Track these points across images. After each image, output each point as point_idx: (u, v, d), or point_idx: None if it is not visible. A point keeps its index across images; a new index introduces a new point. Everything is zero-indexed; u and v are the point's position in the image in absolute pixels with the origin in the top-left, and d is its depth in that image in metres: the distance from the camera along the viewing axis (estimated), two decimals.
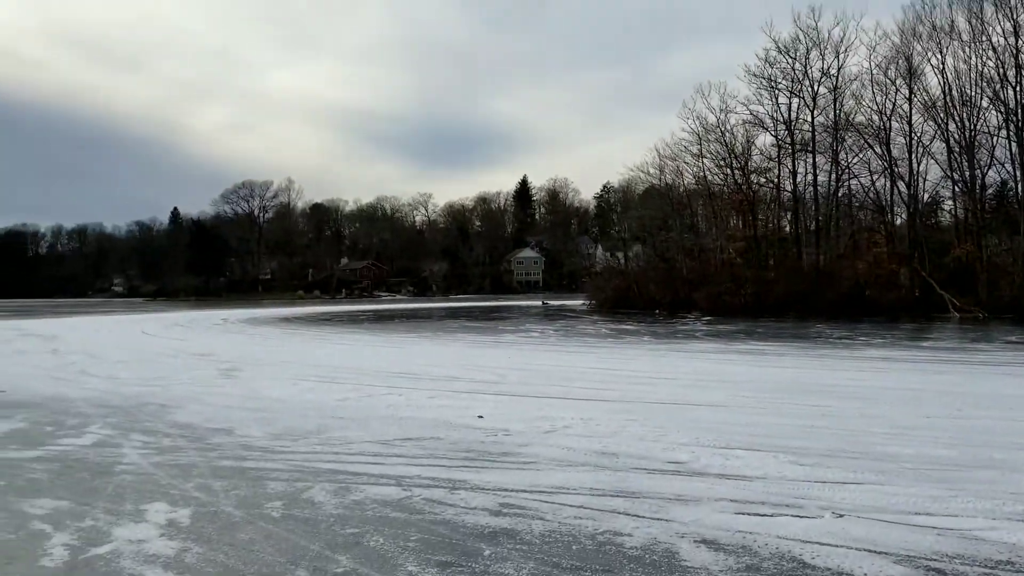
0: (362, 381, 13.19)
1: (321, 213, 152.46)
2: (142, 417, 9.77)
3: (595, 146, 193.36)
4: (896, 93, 41.69)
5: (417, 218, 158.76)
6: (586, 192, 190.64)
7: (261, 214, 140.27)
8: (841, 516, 5.38)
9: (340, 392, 11.80)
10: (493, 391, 11.76)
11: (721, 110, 48.20)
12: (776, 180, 46.82)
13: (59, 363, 17.20)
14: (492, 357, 17.95)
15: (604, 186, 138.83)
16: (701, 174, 50.28)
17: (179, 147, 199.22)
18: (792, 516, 5.40)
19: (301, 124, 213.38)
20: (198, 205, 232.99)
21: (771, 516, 5.42)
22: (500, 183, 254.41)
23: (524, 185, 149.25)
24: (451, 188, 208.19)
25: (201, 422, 9.33)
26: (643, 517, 5.43)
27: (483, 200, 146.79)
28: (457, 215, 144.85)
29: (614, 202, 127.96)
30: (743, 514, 5.47)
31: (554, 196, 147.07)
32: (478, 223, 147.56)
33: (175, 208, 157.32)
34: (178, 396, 11.57)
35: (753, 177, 47.91)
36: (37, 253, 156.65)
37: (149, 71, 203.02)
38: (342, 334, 28.97)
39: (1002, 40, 38.43)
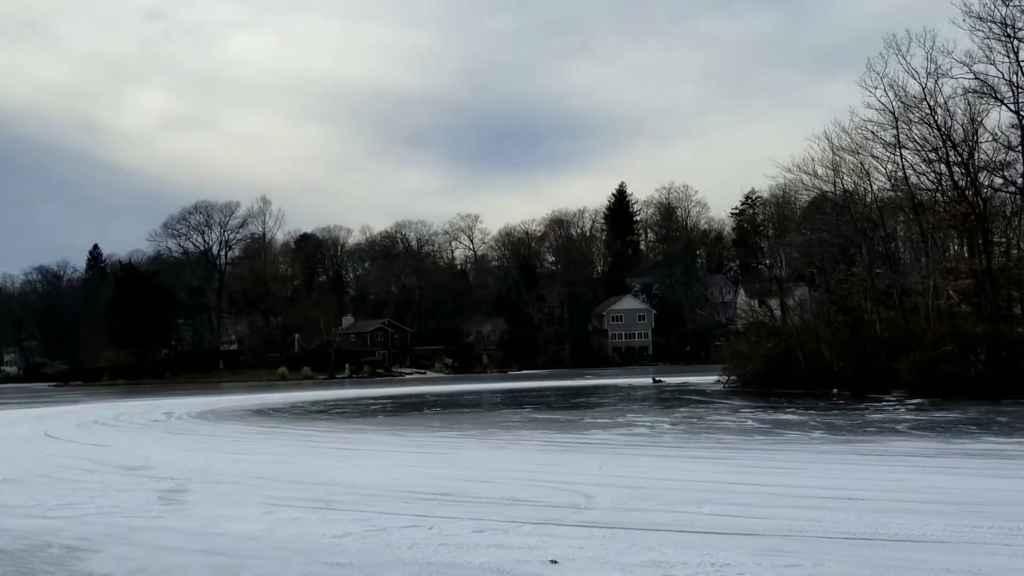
0: (372, 506, 13.25)
1: (312, 249, 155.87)
2: (38, 567, 9.93)
3: (729, 134, 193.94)
4: None
5: (457, 253, 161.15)
6: (718, 206, 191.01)
7: (223, 252, 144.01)
8: None
9: (338, 524, 11.85)
10: (574, 520, 11.67)
11: (928, 74, 47.33)
12: (1021, 180, 45.88)
13: None
14: (574, 467, 17.82)
15: (747, 197, 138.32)
16: (899, 174, 49.59)
17: (99, 154, 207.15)
18: None
19: (278, 114, 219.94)
20: (128, 241, 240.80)
21: None
22: (583, 196, 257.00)
23: (621, 198, 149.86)
24: (508, 206, 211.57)
25: (126, 573, 9.45)
26: None
27: (558, 223, 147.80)
28: (518, 247, 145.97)
29: (763, 221, 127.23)
30: None
31: (667, 214, 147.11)
32: (550, 258, 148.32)
33: (94, 246, 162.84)
34: (94, 533, 11.76)
35: (983, 177, 47.05)
36: None
37: (50, 42, 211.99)
38: (344, 434, 29.21)
39: None
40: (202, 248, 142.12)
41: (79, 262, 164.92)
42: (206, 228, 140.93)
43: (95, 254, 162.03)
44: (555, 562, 9.34)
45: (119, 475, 18.36)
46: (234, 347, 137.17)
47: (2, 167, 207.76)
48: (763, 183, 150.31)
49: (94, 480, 17.58)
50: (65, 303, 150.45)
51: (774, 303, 63.45)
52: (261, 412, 43.18)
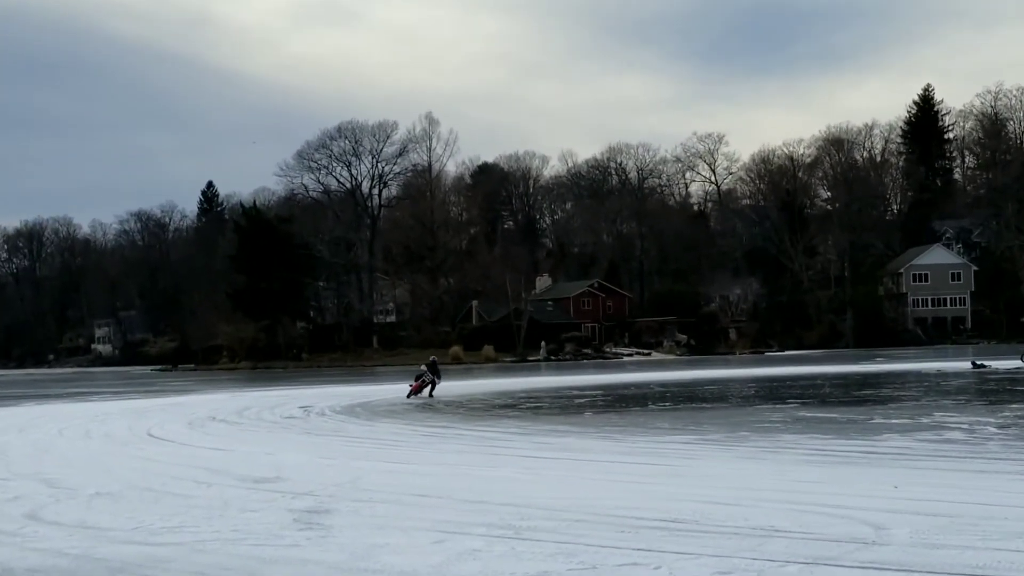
0: (578, 536, 13.32)
1: (494, 184, 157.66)
2: None
3: None
4: None
5: (693, 188, 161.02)
6: None
7: (376, 190, 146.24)
8: None
9: (533, 559, 11.97)
10: (858, 560, 11.51)
11: None
12: None
13: None
14: (857, 486, 17.55)
15: None
16: None
17: (210, 62, 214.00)
18: None
19: (474, 6, 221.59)
20: (252, 177, 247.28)
21: None
22: (870, 106, 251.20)
23: (926, 108, 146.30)
24: (764, 121, 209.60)
25: None
26: None
27: (835, 144, 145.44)
28: (779, 179, 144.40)
29: None
30: None
31: (994, 130, 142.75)
32: (825, 194, 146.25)
33: (208, 184, 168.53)
34: (210, 565, 12.21)
35: None
36: None
37: None
38: (539, 437, 29.54)
39: None
40: (349, 186, 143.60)
41: (189, 205, 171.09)
42: (354, 158, 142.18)
43: (209, 195, 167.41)
44: None
45: (243, 489, 19.01)
46: (392, 318, 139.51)
47: (88, 77, 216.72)
48: None
49: (211, 495, 18.24)
50: (172, 261, 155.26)
51: None
52: (427, 407, 44.14)
